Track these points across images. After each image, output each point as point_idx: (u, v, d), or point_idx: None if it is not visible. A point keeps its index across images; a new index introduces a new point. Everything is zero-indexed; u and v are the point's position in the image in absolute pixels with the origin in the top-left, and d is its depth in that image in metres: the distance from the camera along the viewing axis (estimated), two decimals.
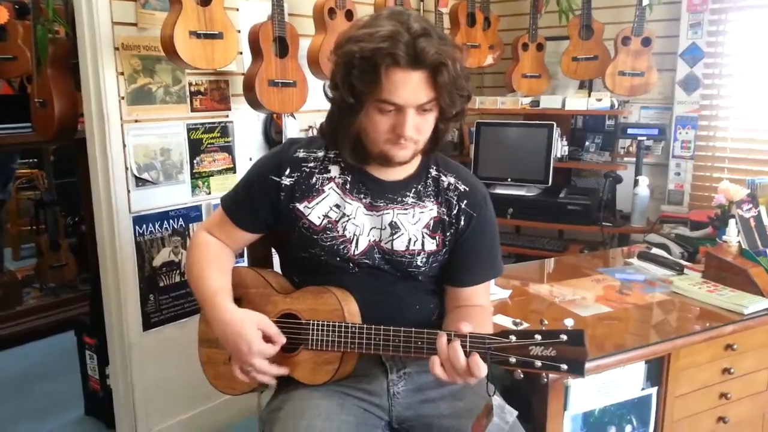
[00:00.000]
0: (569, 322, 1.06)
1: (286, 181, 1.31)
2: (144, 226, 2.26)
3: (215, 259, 1.36)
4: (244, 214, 1.36)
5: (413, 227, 1.31)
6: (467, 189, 1.34)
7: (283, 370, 1.26)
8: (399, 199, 1.31)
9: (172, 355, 2.39)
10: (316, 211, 1.31)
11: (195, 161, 2.37)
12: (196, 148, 2.37)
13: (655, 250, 2.12)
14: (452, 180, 1.35)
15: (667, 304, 1.75)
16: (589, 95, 3.03)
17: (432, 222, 1.32)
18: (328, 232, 1.30)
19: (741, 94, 2.90)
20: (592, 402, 1.49)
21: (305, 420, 1.20)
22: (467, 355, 1.09)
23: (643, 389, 1.56)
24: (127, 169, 2.18)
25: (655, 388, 1.57)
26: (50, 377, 2.98)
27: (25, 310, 3.43)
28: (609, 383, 1.50)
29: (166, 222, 2.32)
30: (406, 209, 1.31)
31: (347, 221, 1.30)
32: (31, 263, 3.87)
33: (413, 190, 1.33)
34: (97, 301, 2.37)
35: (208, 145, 2.41)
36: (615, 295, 1.82)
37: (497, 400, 1.10)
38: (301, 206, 1.31)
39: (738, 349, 1.65)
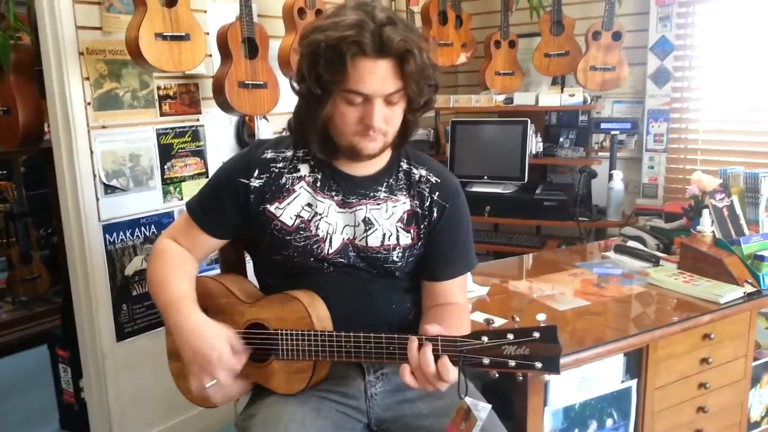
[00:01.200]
0: (541, 317, 1.05)
1: (255, 183, 1.28)
2: (114, 234, 2.21)
3: (179, 267, 1.32)
4: (212, 218, 1.33)
5: (387, 222, 1.29)
6: (439, 180, 1.33)
7: (245, 387, 1.23)
8: (371, 194, 1.29)
9: (147, 365, 2.33)
10: (288, 211, 1.28)
11: (166, 167, 2.33)
12: (166, 154, 2.33)
13: (631, 243, 2.13)
14: (423, 172, 1.33)
15: (645, 296, 1.75)
16: (562, 91, 3.04)
17: (405, 215, 1.30)
18: (301, 232, 1.27)
19: (711, 86, 2.93)
20: (573, 396, 1.48)
21: (281, 426, 1.17)
22: (438, 358, 1.07)
23: (622, 382, 1.56)
24: (95, 176, 2.13)
25: (635, 381, 1.57)
26: (24, 392, 2.91)
27: None
28: (588, 377, 1.49)
29: (137, 229, 2.28)
30: (379, 204, 1.29)
31: (320, 220, 1.28)
32: (3, 277, 3.78)
33: (385, 184, 1.31)
34: (69, 313, 2.32)
35: (179, 150, 2.37)
36: (592, 289, 1.81)
37: (469, 399, 1.08)
38: (272, 207, 1.28)
39: (715, 338, 1.65)
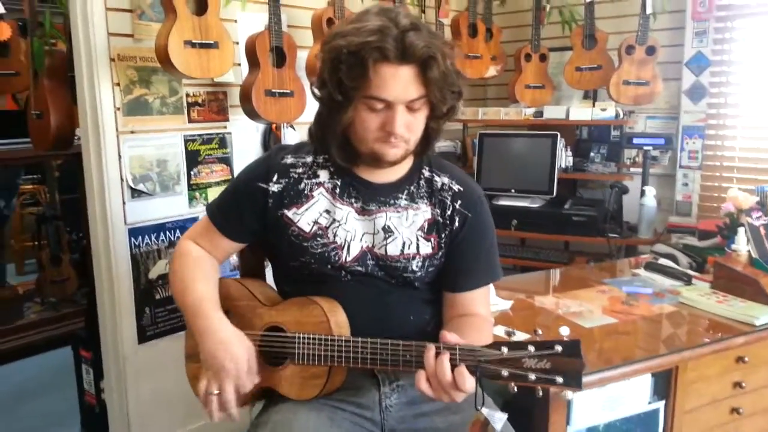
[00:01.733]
0: (565, 331, 1.00)
1: (274, 188, 1.27)
2: (140, 237, 2.23)
3: (200, 269, 1.31)
4: (230, 222, 1.32)
5: (407, 230, 1.27)
6: (461, 189, 1.30)
7: (236, 414, 1.22)
8: (391, 201, 1.27)
9: (167, 369, 2.33)
10: (306, 217, 1.26)
11: (192, 172, 2.34)
12: (193, 160, 2.34)
13: (662, 261, 2.06)
14: (446, 180, 1.30)
15: (675, 315, 1.69)
16: (594, 105, 2.99)
17: (426, 224, 1.28)
18: (319, 239, 1.26)
19: (749, 102, 2.85)
20: (597, 417, 1.43)
21: None
22: (455, 368, 1.04)
23: (650, 403, 1.49)
24: (122, 180, 2.15)
25: (663, 402, 1.51)
26: (47, 392, 2.94)
27: (24, 325, 3.39)
28: (614, 397, 1.43)
29: (162, 234, 2.29)
30: (399, 212, 1.27)
31: (338, 227, 1.26)
32: (34, 278, 3.85)
33: (405, 191, 1.28)
34: (93, 314, 2.33)
35: (206, 157, 2.38)
36: (621, 307, 1.76)
37: (485, 410, 1.04)
38: (289, 213, 1.27)
39: (749, 361, 1.58)
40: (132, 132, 2.16)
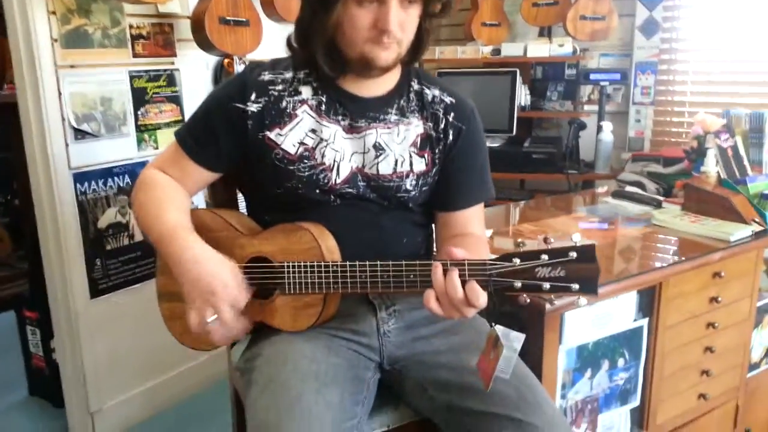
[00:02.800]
0: (577, 237, 0.96)
1: (253, 108, 1.16)
2: (86, 183, 2.06)
3: (170, 197, 1.19)
4: (204, 148, 1.20)
5: (399, 147, 1.19)
6: (453, 101, 1.23)
7: (247, 326, 1.13)
8: (381, 117, 1.19)
9: (123, 325, 2.21)
10: (290, 138, 1.16)
11: (140, 112, 2.18)
12: (140, 98, 2.17)
13: (629, 188, 2.07)
14: (437, 92, 1.23)
15: (651, 236, 1.70)
16: (551, 42, 2.96)
17: (419, 139, 1.21)
18: (306, 161, 1.16)
19: (700, 37, 2.88)
20: (587, 335, 1.42)
21: (289, 363, 1.07)
22: (465, 283, 0.99)
23: (635, 320, 1.50)
24: (63, 119, 1.97)
25: (646, 320, 1.52)
26: None
27: None
28: (603, 315, 1.43)
29: (110, 179, 2.13)
30: (390, 128, 1.19)
31: (326, 147, 1.17)
32: None
33: (395, 106, 1.20)
34: (37, 273, 2.16)
35: (154, 95, 2.22)
36: (598, 232, 1.75)
37: (500, 328, 1.00)
38: (272, 134, 1.16)
39: (725, 276, 1.61)
40: (72, 67, 1.97)
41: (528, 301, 1.00)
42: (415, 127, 1.21)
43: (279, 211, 1.20)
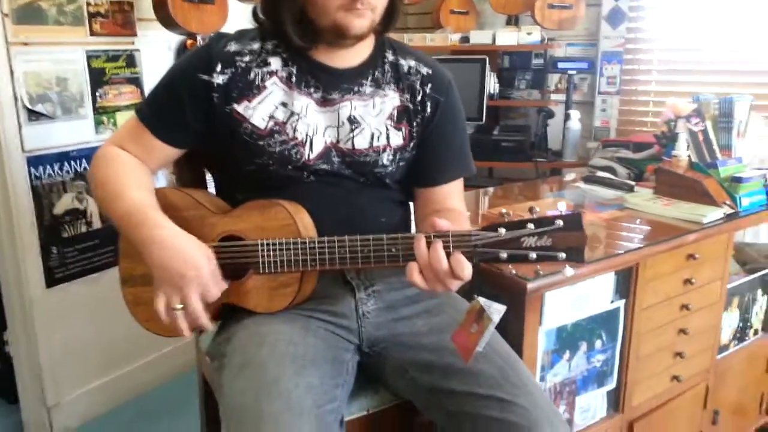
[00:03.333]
0: (562, 207, 0.94)
1: (219, 80, 1.09)
2: (40, 168, 1.95)
3: (132, 175, 1.12)
4: (168, 124, 1.13)
5: (375, 120, 1.15)
6: (430, 72, 1.19)
7: (209, 324, 1.06)
8: (355, 89, 1.14)
9: (82, 315, 2.11)
10: (259, 111, 1.11)
11: (98, 94, 2.08)
12: (98, 80, 2.07)
13: (600, 173, 2.07)
14: (413, 63, 1.19)
15: (626, 219, 1.69)
16: (520, 30, 2.95)
17: (395, 112, 1.16)
18: (276, 136, 1.11)
19: (665, 26, 2.91)
20: (566, 316, 1.40)
21: (265, 346, 1.01)
22: (449, 255, 0.95)
23: (612, 302, 1.49)
24: (16, 99, 1.86)
25: (623, 301, 1.51)
26: None
27: None
28: (582, 296, 1.42)
29: (66, 164, 2.02)
30: (365, 100, 1.15)
31: (297, 121, 1.11)
32: None
33: (370, 77, 1.16)
34: None
35: (113, 76, 2.12)
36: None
37: (482, 299, 0.97)
38: (240, 108, 1.10)
39: (699, 258, 1.61)
40: (25, 44, 1.86)
41: (514, 272, 0.97)
42: (391, 99, 1.17)
43: (250, 189, 1.14)
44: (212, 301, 1.04)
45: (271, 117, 1.11)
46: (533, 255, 0.94)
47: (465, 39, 2.98)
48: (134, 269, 1.15)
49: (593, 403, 1.54)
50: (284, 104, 1.11)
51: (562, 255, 0.93)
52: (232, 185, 1.20)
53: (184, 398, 2.20)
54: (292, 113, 1.11)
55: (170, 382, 2.37)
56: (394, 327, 1.15)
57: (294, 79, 1.12)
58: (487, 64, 2.85)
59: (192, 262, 1.01)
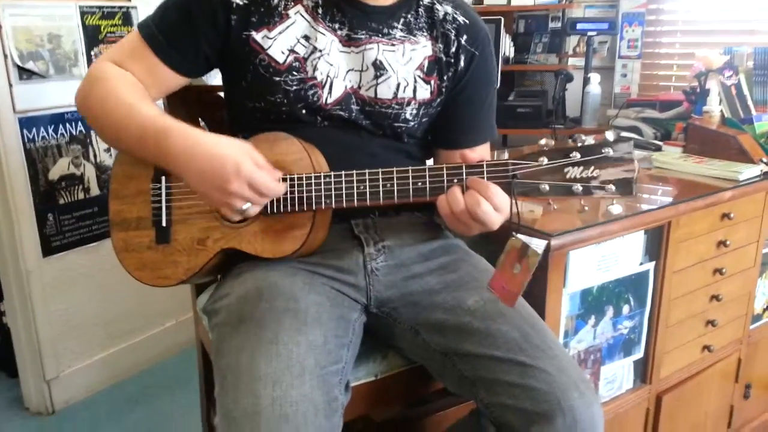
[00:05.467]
0: (610, 135, 0.83)
1: (239, 0, 0.98)
2: (33, 130, 1.86)
3: (140, 91, 0.99)
4: (177, 46, 1.00)
5: (403, 68, 1.04)
6: (467, 22, 1.08)
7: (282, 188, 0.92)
8: (385, 30, 1.03)
9: (81, 286, 2.03)
10: (279, 43, 1.00)
11: (93, 53, 1.97)
12: (93, 38, 1.97)
13: (624, 134, 1.94)
14: (449, 9, 1.08)
15: (655, 178, 1.58)
16: None
17: (426, 62, 1.06)
18: (295, 73, 1.00)
19: None
20: (591, 278, 1.29)
21: (264, 301, 0.91)
22: None
23: (641, 264, 1.38)
24: (6, 56, 1.76)
25: (653, 263, 1.40)
26: None
27: None
28: (609, 256, 1.30)
29: (61, 126, 1.93)
30: (394, 45, 1.04)
31: (319, 58, 1.00)
32: None
33: (402, 20, 1.05)
34: None
35: (108, 35, 2.01)
36: None
37: (523, 237, 0.87)
38: (258, 36, 0.99)
39: (734, 218, 1.50)
40: None
41: (556, 207, 0.87)
42: (423, 47, 1.06)
43: (256, 129, 1.02)
44: (272, 191, 0.91)
45: (292, 51, 1.00)
46: (578, 187, 0.84)
47: (479, 1, 2.85)
48: (126, 211, 1.04)
49: (619, 374, 1.44)
50: (307, 38, 1.00)
51: (611, 187, 0.83)
52: (234, 124, 1.10)
53: (187, 374, 2.12)
54: (315, 49, 1.00)
55: (173, 357, 2.29)
56: (405, 285, 1.05)
57: (320, 10, 1.01)
58: (502, 26, 2.72)
59: (229, 158, 0.88)
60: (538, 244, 0.85)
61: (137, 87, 1.00)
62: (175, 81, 1.04)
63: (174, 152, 0.91)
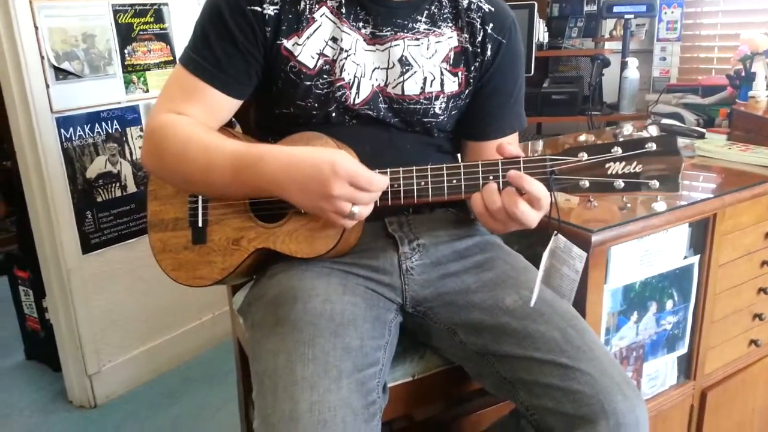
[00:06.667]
0: (653, 130, 0.80)
1: (270, 11, 0.96)
2: (70, 129, 1.89)
3: (208, 130, 0.96)
4: (228, 71, 0.96)
5: (429, 62, 1.01)
6: (492, 9, 1.05)
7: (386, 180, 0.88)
8: (409, 25, 1.01)
9: (120, 282, 2.06)
10: (308, 48, 0.98)
11: (126, 51, 1.99)
12: (126, 36, 1.98)
13: (665, 121, 1.89)
14: None
15: (699, 167, 1.53)
16: None
17: (452, 54, 1.03)
18: (325, 76, 0.98)
19: None
20: (634, 274, 1.26)
21: (299, 303, 0.90)
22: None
23: (685, 258, 1.33)
24: (42, 57, 1.79)
25: (697, 257, 1.35)
26: None
27: None
28: (652, 251, 1.26)
29: (97, 125, 1.95)
30: (419, 39, 1.01)
31: (346, 59, 0.99)
32: None
33: (425, 12, 1.02)
34: (26, 229, 2.01)
35: (140, 33, 2.02)
36: None
37: (563, 239, 0.84)
38: (289, 44, 0.97)
39: None
40: None
41: (596, 205, 0.84)
42: (448, 39, 1.03)
43: (283, 132, 1.01)
44: (375, 184, 0.87)
45: (321, 54, 0.98)
46: (620, 183, 0.81)
47: None
48: (164, 212, 1.05)
49: (662, 370, 1.40)
50: (335, 39, 0.99)
51: (655, 183, 0.80)
52: (260, 128, 1.09)
53: (226, 367, 2.14)
54: (342, 50, 0.99)
55: (212, 351, 2.32)
56: (441, 284, 1.03)
57: (344, 10, 0.99)
58: (536, 11, 2.65)
59: (322, 161, 0.85)
60: (578, 255, 0.82)
61: (205, 127, 0.97)
62: (231, 107, 1.01)
63: (273, 175, 0.88)
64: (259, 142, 1.00)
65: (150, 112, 1.01)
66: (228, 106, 1.00)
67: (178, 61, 1.01)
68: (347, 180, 0.84)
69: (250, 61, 0.98)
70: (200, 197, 1.01)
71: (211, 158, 0.92)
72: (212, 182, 0.93)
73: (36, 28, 1.76)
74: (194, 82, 0.97)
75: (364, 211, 0.88)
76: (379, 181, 0.87)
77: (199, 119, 0.97)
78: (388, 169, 0.90)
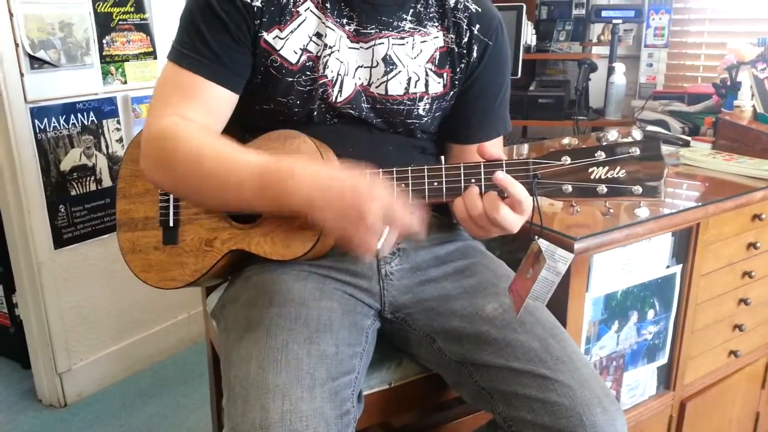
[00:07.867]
0: (637, 134, 0.78)
1: (258, 2, 0.92)
2: (45, 120, 1.83)
3: (222, 138, 0.88)
4: (228, 65, 0.92)
5: (413, 62, 0.99)
6: (479, 10, 1.02)
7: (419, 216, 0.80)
8: (394, 23, 0.98)
9: (93, 278, 2.01)
10: (291, 42, 0.95)
11: (105, 41, 1.94)
12: (105, 25, 1.93)
13: (651, 128, 1.88)
14: None
15: (683, 176, 1.51)
16: None
17: (438, 54, 1.00)
18: (308, 73, 0.95)
19: None
20: (616, 282, 1.24)
21: (274, 307, 0.87)
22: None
23: (667, 267, 1.32)
24: (17, 45, 1.73)
25: (680, 266, 1.34)
26: None
27: None
28: (634, 259, 1.25)
29: (73, 116, 1.90)
30: (403, 38, 0.98)
31: (329, 56, 0.95)
32: None
33: (411, 11, 0.99)
34: None
35: (120, 22, 1.97)
36: None
37: (544, 242, 0.82)
38: (270, 37, 0.94)
39: (765, 219, 1.43)
40: None
41: (578, 210, 0.82)
42: (434, 38, 1.00)
43: (263, 129, 0.97)
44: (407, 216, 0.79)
45: (305, 50, 0.95)
46: (603, 188, 0.79)
47: None
48: (133, 211, 1.02)
49: (642, 380, 1.39)
50: (319, 35, 0.95)
51: (638, 189, 0.78)
52: (238, 124, 1.05)
53: (199, 367, 2.10)
54: (326, 46, 0.95)
55: (185, 350, 2.28)
56: (421, 290, 1.01)
57: (328, 5, 0.95)
58: (524, 13, 2.64)
59: (352, 188, 0.77)
60: (562, 257, 0.80)
61: (216, 134, 0.92)
62: (232, 103, 0.95)
63: (308, 194, 0.79)
64: (247, 145, 0.94)
65: (147, 118, 0.92)
66: (230, 102, 0.95)
67: (168, 59, 0.94)
68: (382, 205, 0.76)
69: (245, 52, 0.94)
70: (171, 195, 0.98)
71: (231, 171, 0.83)
72: (229, 197, 0.85)
73: (11, 14, 1.70)
74: (192, 79, 0.91)
75: (386, 247, 0.80)
76: (411, 218, 0.78)
77: (201, 121, 0.91)
78: (368, 170, 0.87)
